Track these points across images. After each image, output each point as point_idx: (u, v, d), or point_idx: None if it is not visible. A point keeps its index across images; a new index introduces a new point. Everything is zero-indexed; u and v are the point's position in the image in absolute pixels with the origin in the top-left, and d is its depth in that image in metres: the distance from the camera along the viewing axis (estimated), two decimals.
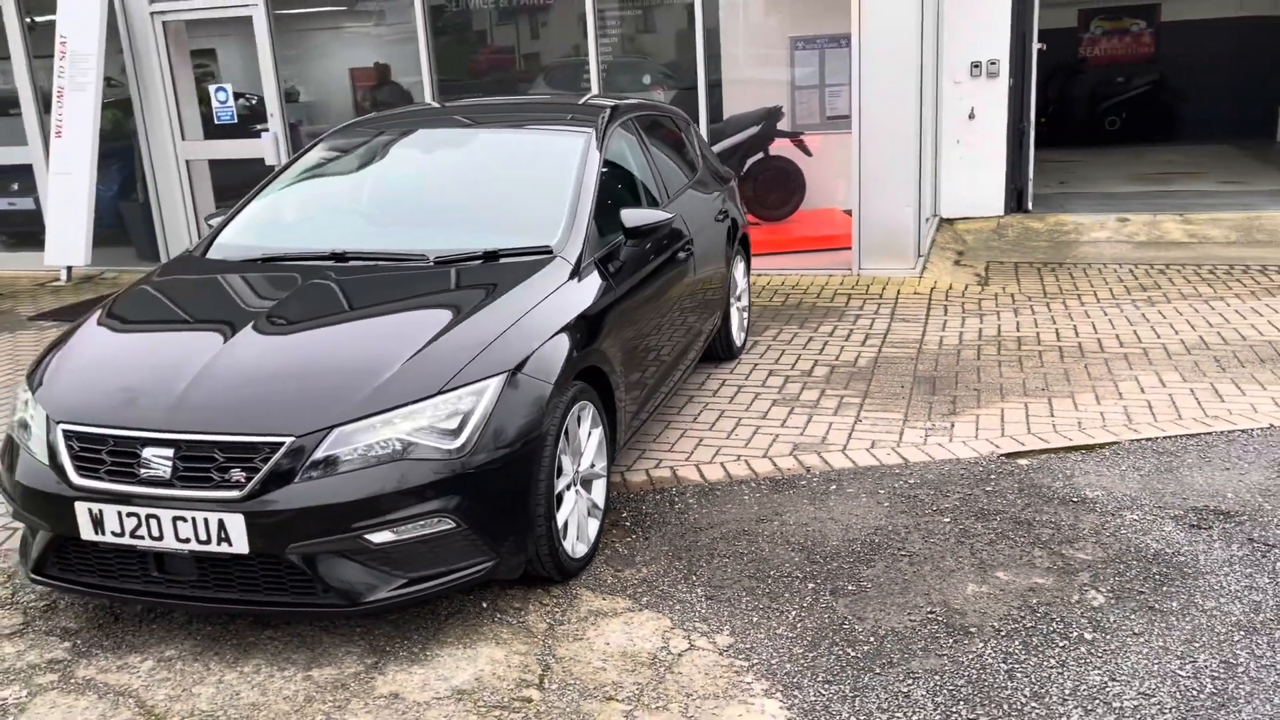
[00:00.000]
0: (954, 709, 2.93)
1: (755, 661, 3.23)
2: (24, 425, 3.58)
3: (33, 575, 3.52)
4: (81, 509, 3.27)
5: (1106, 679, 3.02)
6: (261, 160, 9.52)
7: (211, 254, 4.44)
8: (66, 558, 3.43)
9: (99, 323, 3.91)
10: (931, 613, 3.43)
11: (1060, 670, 3.07)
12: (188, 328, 3.90)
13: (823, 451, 4.84)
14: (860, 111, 7.99)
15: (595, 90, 8.85)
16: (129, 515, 3.22)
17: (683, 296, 4.99)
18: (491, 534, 3.33)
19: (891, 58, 7.89)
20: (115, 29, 9.41)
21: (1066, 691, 2.97)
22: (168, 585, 3.32)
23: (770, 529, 4.10)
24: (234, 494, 3.14)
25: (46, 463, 3.37)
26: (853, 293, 7.76)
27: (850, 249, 8.27)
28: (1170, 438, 4.75)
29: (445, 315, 3.62)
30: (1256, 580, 3.51)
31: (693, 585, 3.70)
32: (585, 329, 3.85)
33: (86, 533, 3.29)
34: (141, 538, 3.23)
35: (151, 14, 9.43)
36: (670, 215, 4.43)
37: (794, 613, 3.49)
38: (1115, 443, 4.74)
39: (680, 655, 3.28)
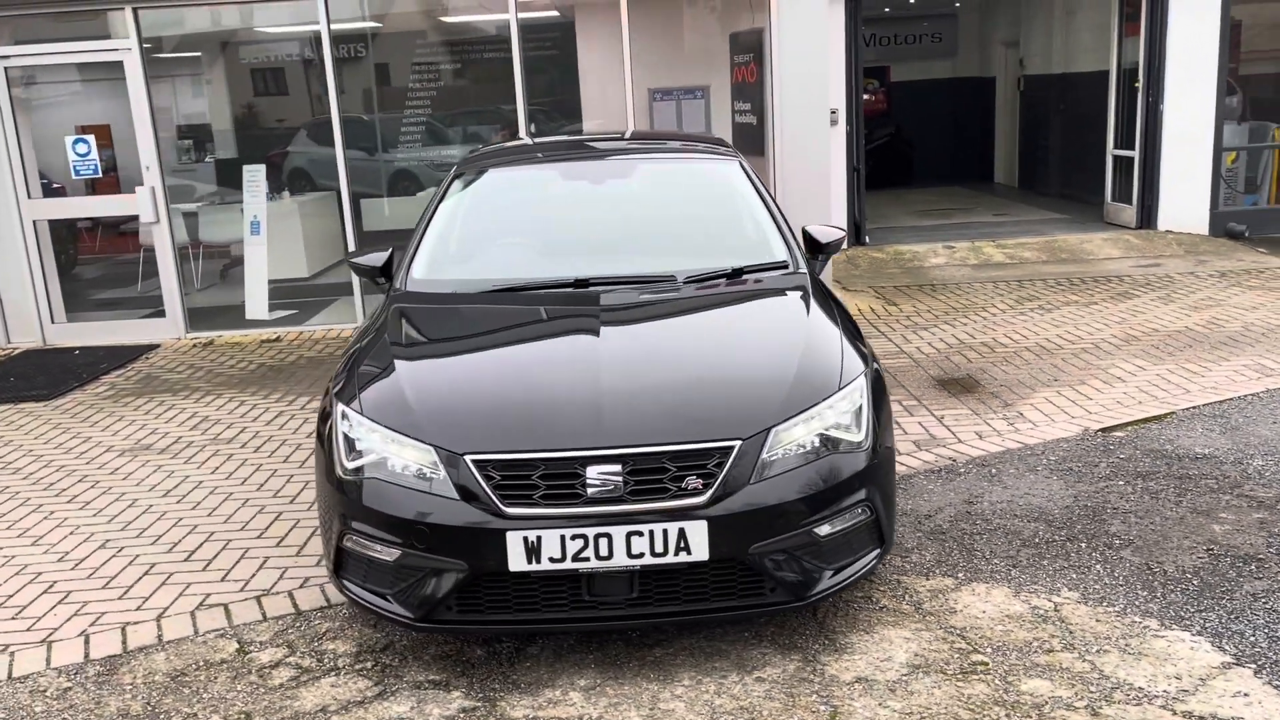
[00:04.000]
0: None
1: (1123, 606, 3.65)
2: (365, 467, 3.32)
3: (422, 624, 3.25)
4: (514, 539, 3.11)
5: None
6: (135, 217, 8.69)
7: (414, 289, 4.25)
8: (474, 597, 3.22)
9: (411, 355, 3.68)
10: (1210, 549, 4.02)
11: None
12: (529, 349, 3.76)
13: (947, 445, 5.34)
14: (780, 148, 8.67)
15: (524, 133, 8.92)
16: (574, 538, 3.11)
17: None
18: (886, 520, 3.53)
19: (806, 97, 8.66)
20: None
21: None
22: (598, 608, 3.22)
23: (986, 508, 4.53)
24: (697, 501, 3.14)
25: (457, 498, 3.16)
26: None
27: None
28: (1209, 404, 5.70)
29: (785, 322, 3.80)
30: None
31: (988, 559, 4.06)
32: None
33: (517, 564, 3.13)
34: (585, 559, 3.12)
35: None
36: (844, 231, 4.80)
37: (1098, 567, 3.95)
38: (1171, 413, 5.61)
39: (1056, 611, 3.63)
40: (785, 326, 3.78)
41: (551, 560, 3.12)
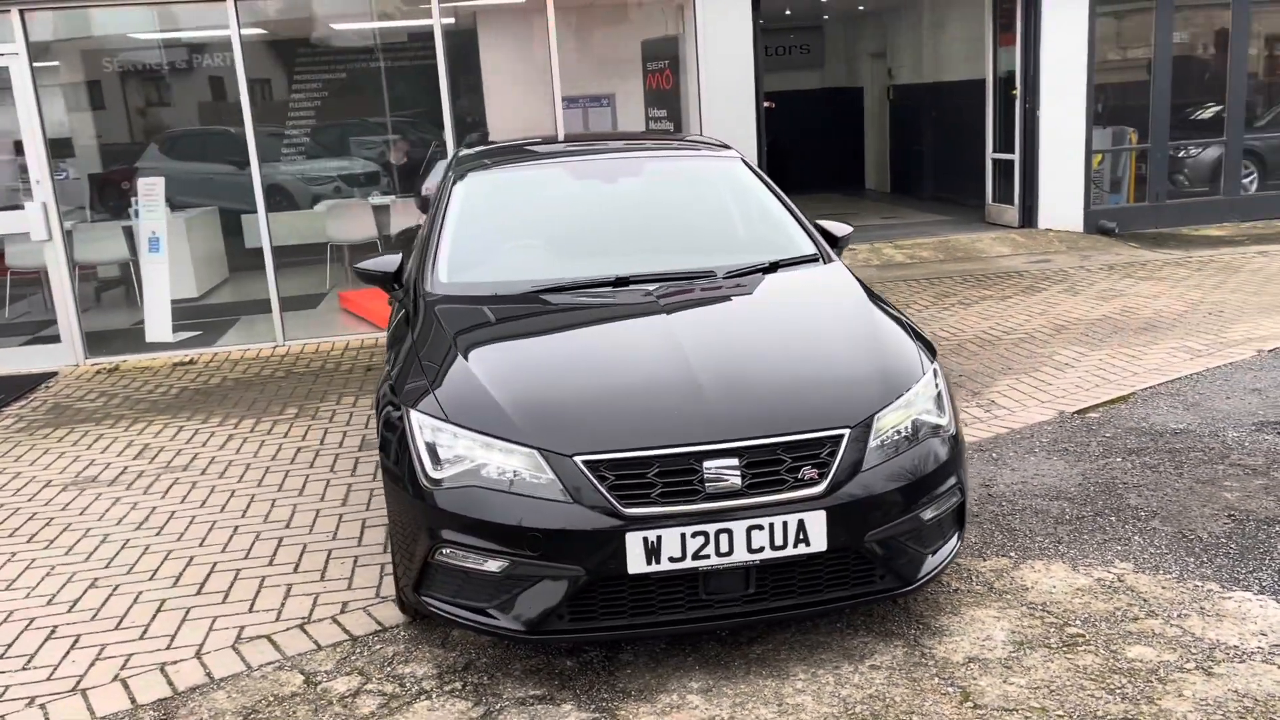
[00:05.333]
0: None
1: (1178, 573, 3.79)
2: (456, 476, 3.14)
3: (534, 635, 3.09)
4: (634, 540, 3.00)
5: None
6: (26, 235, 8.03)
7: (448, 291, 4.05)
8: (588, 603, 3.08)
9: (484, 356, 3.48)
10: (1232, 515, 4.23)
11: None
12: (608, 346, 3.62)
13: None
14: None
15: (450, 143, 8.68)
16: (694, 535, 3.01)
17: None
18: (966, 505, 3.56)
19: (732, 102, 8.77)
20: None
21: None
22: (714, 607, 3.13)
23: (1005, 490, 4.65)
24: (815, 491, 3.10)
25: (570, 501, 3.02)
26: None
27: None
28: (1161, 384, 6.02)
29: (850, 312, 3.81)
30: None
31: (1030, 537, 4.16)
32: None
33: (636, 565, 3.01)
34: (706, 557, 3.03)
35: None
36: (851, 227, 4.85)
37: (1137, 538, 4.10)
38: (1132, 394, 5.90)
39: (1121, 581, 3.75)
40: (851, 316, 3.79)
41: (671, 560, 3.02)
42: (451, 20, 10.65)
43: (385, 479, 3.40)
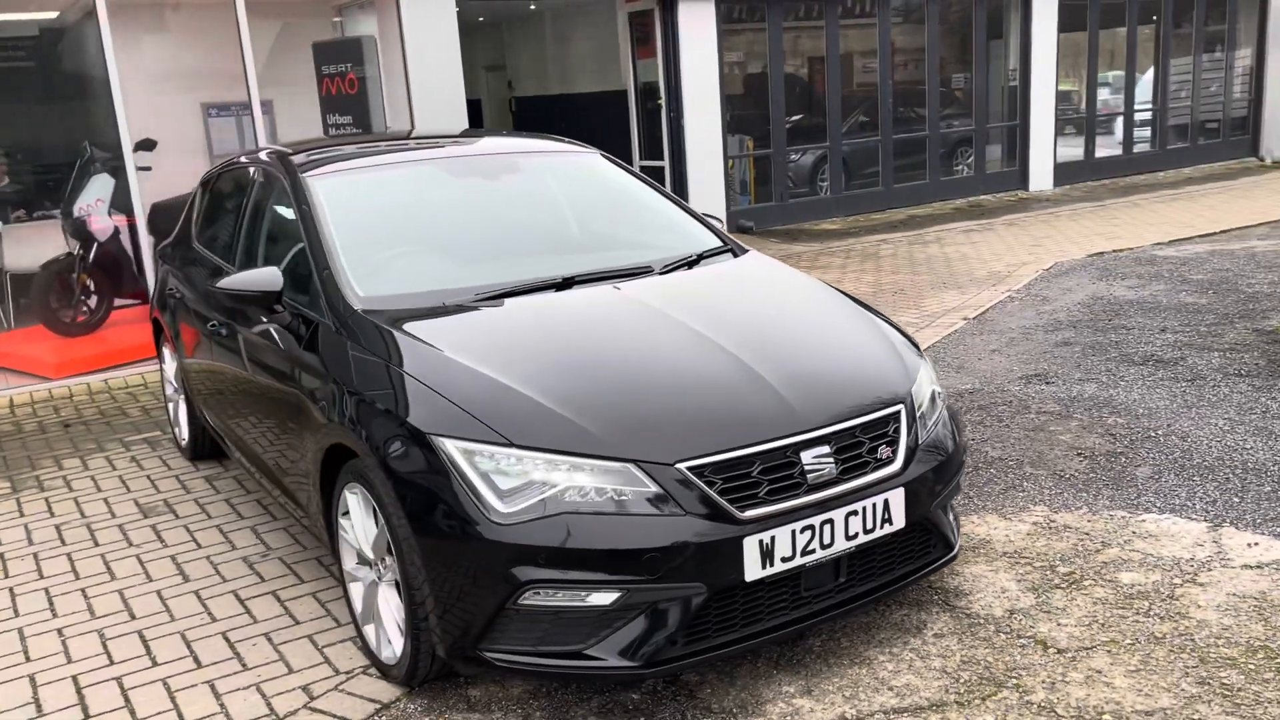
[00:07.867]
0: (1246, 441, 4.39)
1: (1085, 508, 4.19)
2: (536, 505, 2.73)
3: (650, 669, 2.74)
4: (750, 545, 2.78)
5: (1220, 425, 4.77)
6: None
7: (375, 306, 3.46)
8: (701, 622, 2.79)
9: (516, 370, 3.01)
10: (1080, 453, 4.74)
11: (1198, 425, 4.72)
12: (640, 346, 3.24)
13: None
14: None
15: (128, 154, 7.44)
16: (803, 530, 2.86)
17: None
18: None
19: (444, 106, 8.41)
20: None
21: (1223, 427, 4.64)
22: (812, 603, 2.99)
23: None
24: (894, 469, 3.06)
25: (683, 512, 2.72)
26: None
27: None
28: (932, 348, 6.65)
29: (823, 296, 3.84)
30: (1141, 388, 5.56)
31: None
32: None
33: (752, 571, 2.80)
34: (812, 551, 2.89)
35: None
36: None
37: (1025, 484, 4.48)
38: None
39: (1053, 522, 4.08)
40: (836, 302, 3.78)
41: (783, 560, 2.84)
42: (54, 14, 9.22)
43: (413, 529, 2.83)
